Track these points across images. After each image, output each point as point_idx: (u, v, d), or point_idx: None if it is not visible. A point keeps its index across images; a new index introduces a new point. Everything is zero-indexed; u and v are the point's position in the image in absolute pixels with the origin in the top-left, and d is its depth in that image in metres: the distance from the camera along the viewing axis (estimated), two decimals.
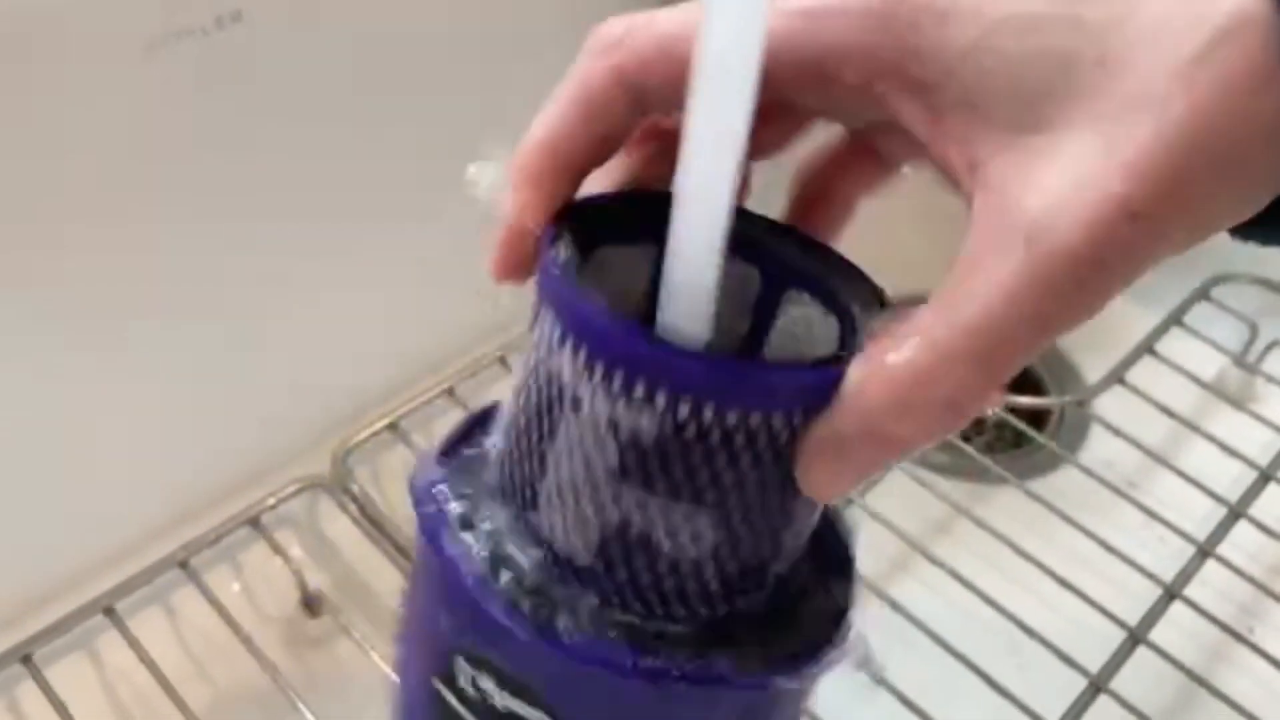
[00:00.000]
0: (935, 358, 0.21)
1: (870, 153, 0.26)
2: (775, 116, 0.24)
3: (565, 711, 0.24)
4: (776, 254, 0.25)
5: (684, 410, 0.21)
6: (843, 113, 0.25)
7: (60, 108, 0.43)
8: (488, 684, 0.24)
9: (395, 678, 0.28)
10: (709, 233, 0.22)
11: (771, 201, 0.27)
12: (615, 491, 0.23)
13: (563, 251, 0.23)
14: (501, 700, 0.24)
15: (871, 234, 0.29)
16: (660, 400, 0.21)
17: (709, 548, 0.23)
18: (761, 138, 0.23)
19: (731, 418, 0.22)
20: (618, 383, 0.22)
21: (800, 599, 0.25)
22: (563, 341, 0.22)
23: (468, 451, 0.26)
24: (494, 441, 0.26)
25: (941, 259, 0.23)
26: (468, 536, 0.24)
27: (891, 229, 0.40)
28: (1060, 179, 0.20)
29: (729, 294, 0.24)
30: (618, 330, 0.22)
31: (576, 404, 0.22)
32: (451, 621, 0.24)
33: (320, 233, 0.56)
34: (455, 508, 0.25)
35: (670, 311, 0.22)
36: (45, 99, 0.42)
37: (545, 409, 0.23)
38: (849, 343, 0.23)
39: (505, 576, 0.24)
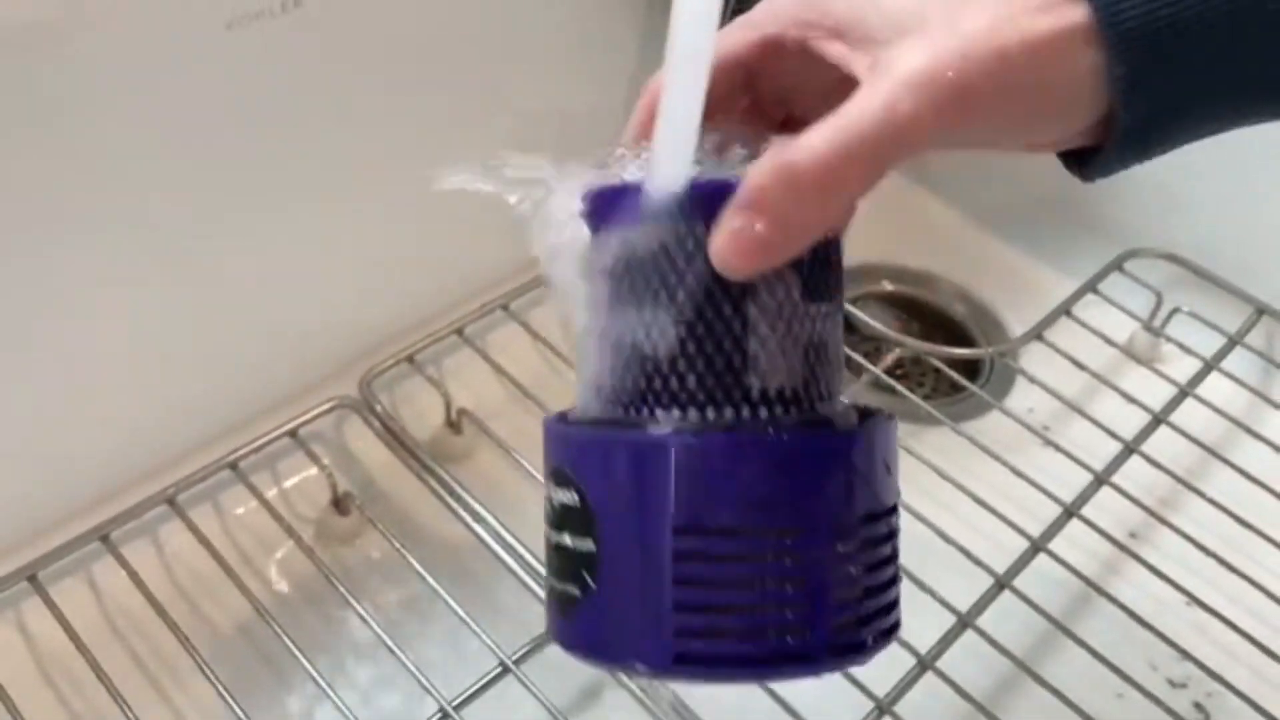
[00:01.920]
0: (811, 154, 0.28)
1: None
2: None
3: (580, 474, 0.30)
4: None
5: (629, 237, 0.30)
6: (804, 77, 0.34)
7: (161, 65, 0.52)
8: (552, 486, 0.32)
9: None
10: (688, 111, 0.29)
11: None
12: (609, 320, 0.30)
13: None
14: (557, 494, 0.31)
15: None
16: (608, 233, 0.30)
17: (675, 341, 0.29)
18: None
19: (665, 236, 0.29)
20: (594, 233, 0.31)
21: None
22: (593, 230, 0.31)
23: None
24: None
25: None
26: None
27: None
28: (915, 55, 0.28)
29: None
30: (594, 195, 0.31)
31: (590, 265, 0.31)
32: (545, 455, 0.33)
33: (353, 192, 0.65)
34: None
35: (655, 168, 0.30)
36: (151, 57, 0.51)
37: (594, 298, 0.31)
38: None
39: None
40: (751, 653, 0.29)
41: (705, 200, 0.29)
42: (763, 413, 0.30)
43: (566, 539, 0.31)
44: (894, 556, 0.31)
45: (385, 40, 0.60)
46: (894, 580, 0.31)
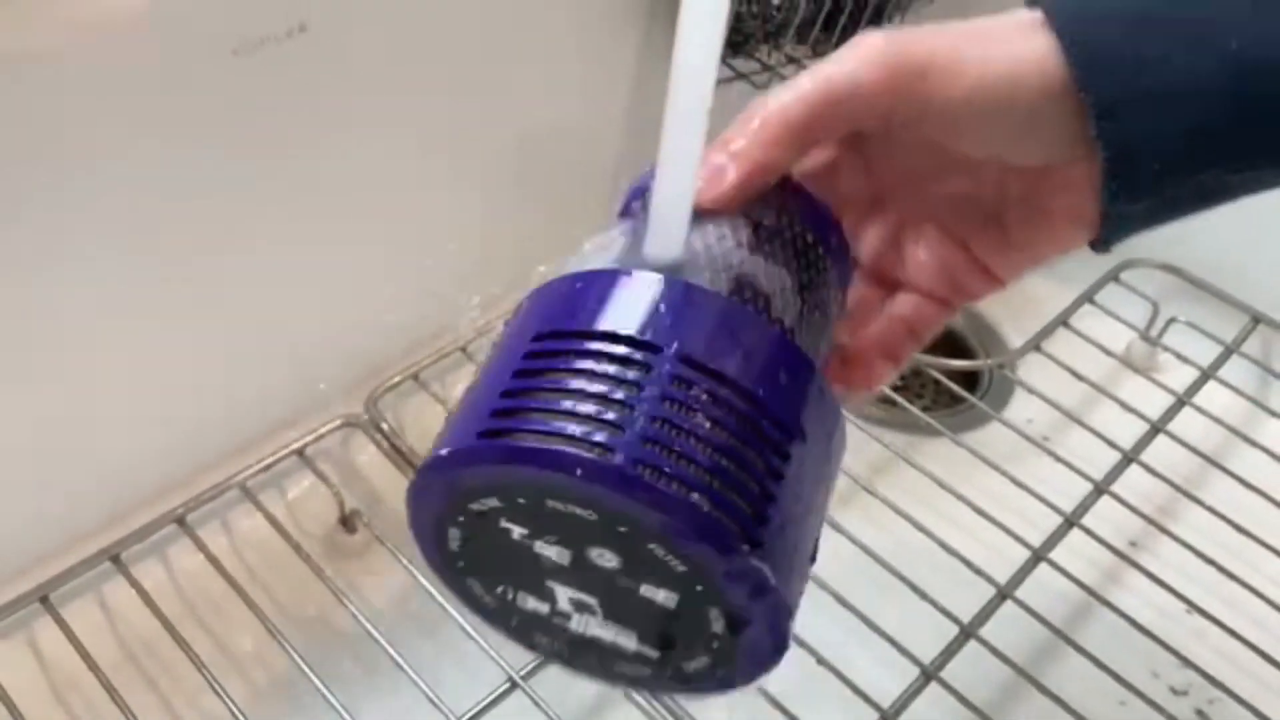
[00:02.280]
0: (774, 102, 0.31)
1: None
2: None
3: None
4: None
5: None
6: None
7: (170, 90, 0.52)
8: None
9: None
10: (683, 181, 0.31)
11: None
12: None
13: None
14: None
15: None
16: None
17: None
18: None
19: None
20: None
21: None
22: None
23: None
24: None
25: None
26: None
27: None
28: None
29: None
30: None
31: None
32: None
33: (357, 211, 0.66)
34: None
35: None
36: (159, 83, 0.52)
37: None
38: None
39: None
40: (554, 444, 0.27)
41: None
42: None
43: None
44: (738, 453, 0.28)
45: (391, 62, 0.61)
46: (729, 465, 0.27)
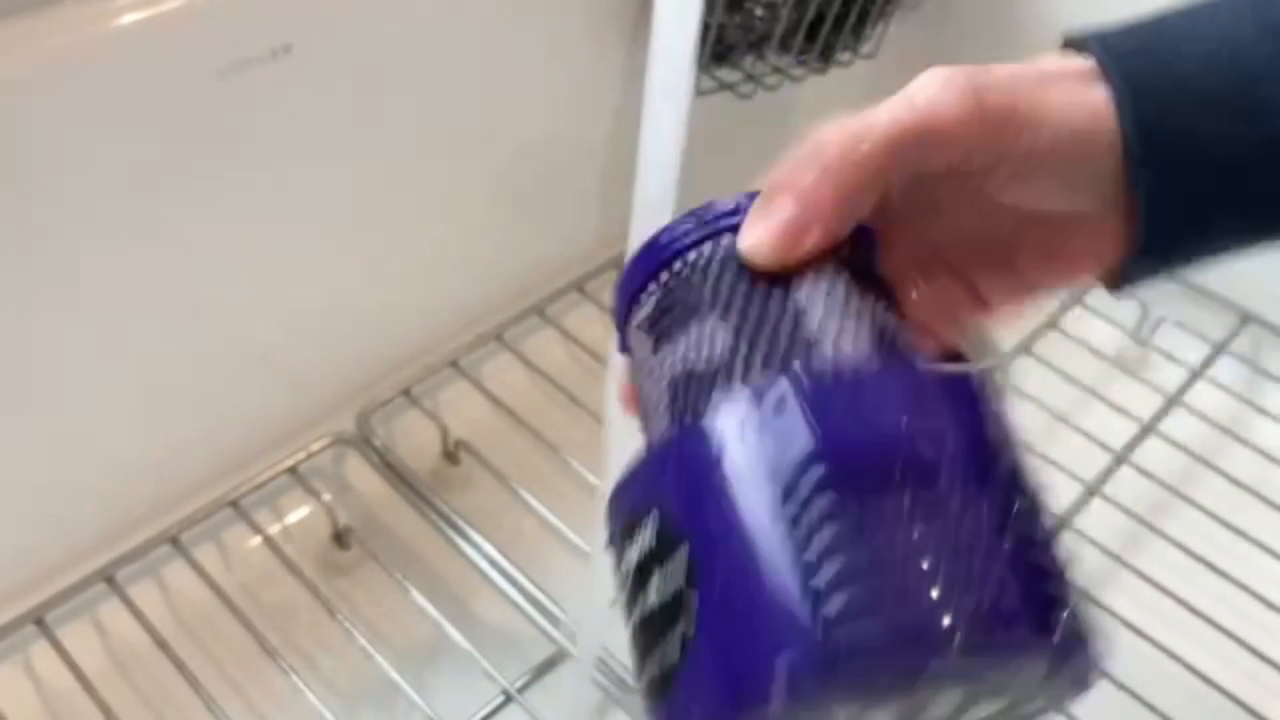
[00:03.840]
0: (833, 130, 0.28)
1: None
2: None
3: (665, 503, 0.25)
4: None
5: (665, 276, 0.29)
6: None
7: (154, 114, 0.53)
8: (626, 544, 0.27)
9: None
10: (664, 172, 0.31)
11: None
12: (659, 364, 0.28)
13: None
14: (625, 557, 0.26)
15: None
16: (658, 280, 0.29)
17: (730, 339, 0.27)
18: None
19: (698, 258, 0.28)
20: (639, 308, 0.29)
21: None
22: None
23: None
24: None
25: None
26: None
27: None
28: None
29: None
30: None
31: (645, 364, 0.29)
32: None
33: (345, 229, 0.66)
34: None
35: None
36: (144, 107, 0.52)
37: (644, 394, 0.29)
38: None
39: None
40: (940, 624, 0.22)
41: (722, 219, 0.29)
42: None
43: (653, 597, 0.24)
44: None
45: (375, 80, 0.61)
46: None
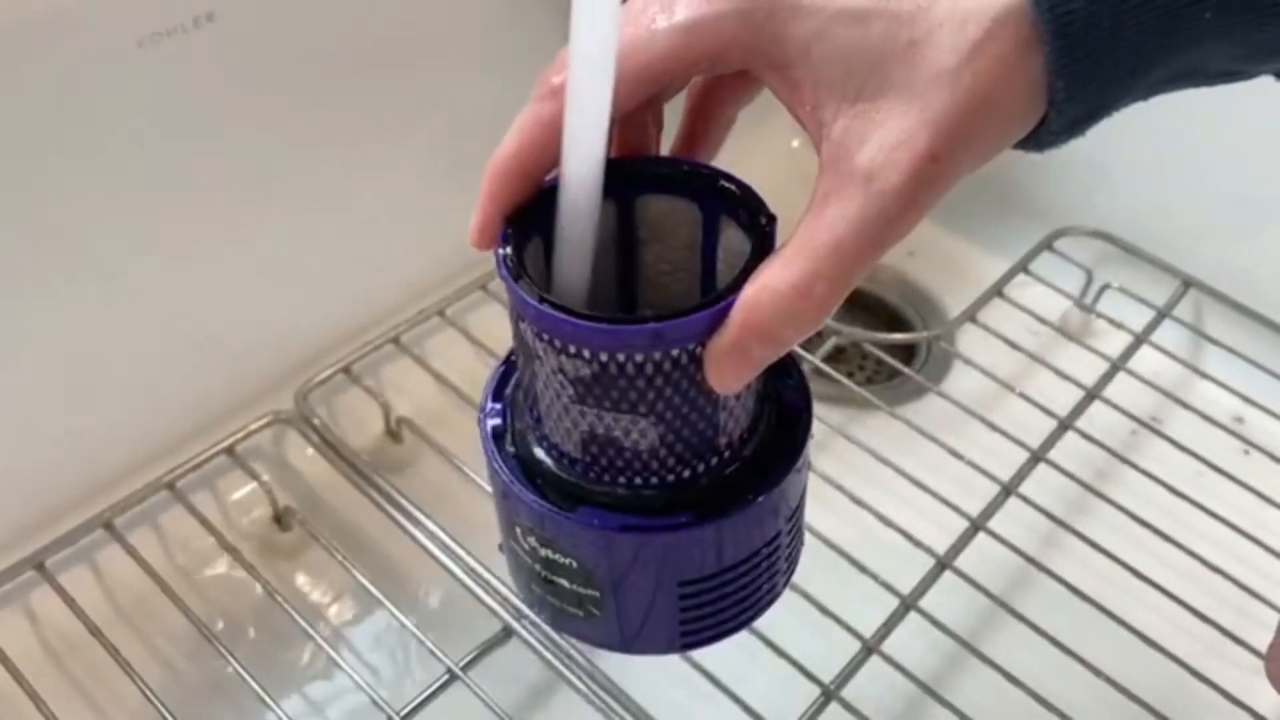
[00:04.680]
0: (808, 274, 0.28)
1: (747, 76, 0.32)
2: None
3: (581, 556, 0.33)
4: (706, 190, 0.32)
5: (604, 357, 0.29)
6: (737, 93, 0.34)
7: (72, 89, 0.51)
8: (533, 541, 0.34)
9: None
10: (584, 216, 0.30)
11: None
12: (579, 411, 0.31)
13: (508, 248, 0.31)
14: (543, 551, 0.34)
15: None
16: (586, 353, 0.29)
17: (656, 439, 0.31)
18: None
19: (639, 358, 0.29)
20: (557, 344, 0.30)
21: (762, 451, 0.33)
22: (519, 317, 0.30)
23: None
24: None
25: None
26: (506, 445, 0.34)
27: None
28: (884, 135, 0.28)
29: (684, 222, 0.32)
30: (547, 311, 0.29)
31: (539, 358, 0.31)
32: (507, 505, 0.34)
33: (281, 203, 0.65)
34: (496, 423, 0.34)
35: (559, 271, 0.31)
36: (60, 81, 0.51)
37: (526, 358, 0.32)
38: (756, 257, 0.30)
39: (533, 470, 0.33)
40: (747, 618, 0.36)
41: (681, 330, 0.29)
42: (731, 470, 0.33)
43: (563, 582, 0.34)
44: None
45: (303, 51, 0.60)
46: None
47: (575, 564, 0.33)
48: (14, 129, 0.50)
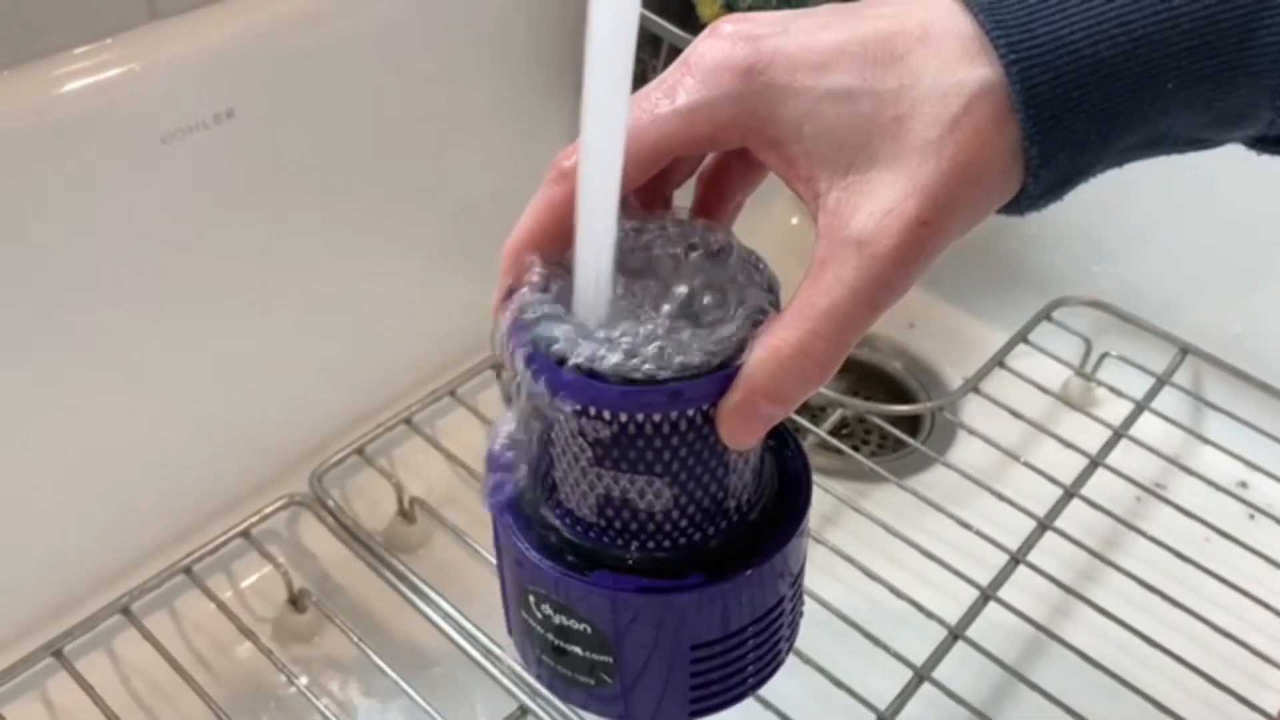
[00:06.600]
0: (808, 334, 0.30)
1: (750, 160, 0.34)
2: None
3: (595, 620, 0.34)
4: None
5: (624, 418, 0.31)
6: (737, 172, 0.35)
7: (101, 184, 0.53)
8: (547, 608, 0.34)
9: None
10: (600, 253, 0.31)
11: None
12: (596, 474, 0.32)
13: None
14: (557, 618, 0.34)
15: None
16: (607, 415, 0.31)
17: (670, 500, 0.33)
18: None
19: (657, 417, 0.31)
20: (575, 408, 0.31)
21: (766, 516, 0.35)
22: (535, 381, 0.32)
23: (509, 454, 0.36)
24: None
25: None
26: (519, 514, 0.35)
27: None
28: (876, 204, 0.29)
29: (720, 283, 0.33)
30: (568, 377, 0.30)
31: (556, 421, 0.32)
32: (520, 574, 0.35)
33: (293, 290, 0.66)
34: (505, 495, 0.35)
35: (580, 312, 0.32)
36: (89, 177, 0.52)
37: (541, 425, 0.33)
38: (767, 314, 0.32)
39: (545, 537, 0.34)
40: (753, 684, 0.37)
41: (698, 391, 0.31)
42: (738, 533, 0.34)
43: (576, 650, 0.35)
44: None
45: (318, 143, 0.62)
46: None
47: (590, 629, 0.34)
48: (44, 223, 0.52)
